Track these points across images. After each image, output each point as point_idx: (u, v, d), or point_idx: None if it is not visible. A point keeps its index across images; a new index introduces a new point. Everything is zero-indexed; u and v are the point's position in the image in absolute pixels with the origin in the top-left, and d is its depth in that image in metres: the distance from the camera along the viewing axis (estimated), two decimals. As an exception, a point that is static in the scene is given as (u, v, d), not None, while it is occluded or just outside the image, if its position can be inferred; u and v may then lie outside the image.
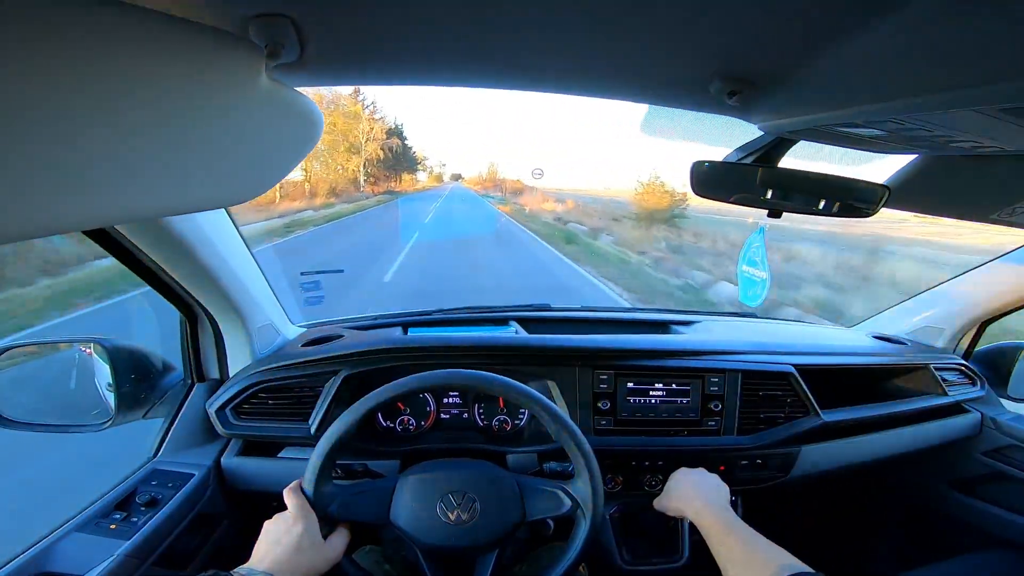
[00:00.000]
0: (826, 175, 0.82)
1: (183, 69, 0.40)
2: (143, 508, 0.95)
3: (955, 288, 1.48)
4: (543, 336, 1.26)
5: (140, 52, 0.36)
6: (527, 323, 1.42)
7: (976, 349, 1.52)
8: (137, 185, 0.41)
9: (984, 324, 1.48)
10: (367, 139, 36.16)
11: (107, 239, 0.89)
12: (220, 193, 0.59)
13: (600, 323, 1.48)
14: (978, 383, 1.44)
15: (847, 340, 1.49)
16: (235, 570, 0.71)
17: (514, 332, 1.35)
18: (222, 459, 1.12)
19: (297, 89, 0.59)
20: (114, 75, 0.34)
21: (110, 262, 0.97)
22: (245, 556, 0.78)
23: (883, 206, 0.83)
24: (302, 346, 1.24)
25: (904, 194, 0.85)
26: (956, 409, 1.42)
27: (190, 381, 1.19)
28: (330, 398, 1.11)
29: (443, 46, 0.59)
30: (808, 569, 0.70)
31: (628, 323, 1.51)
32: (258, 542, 0.80)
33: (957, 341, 1.51)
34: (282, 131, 0.60)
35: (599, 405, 1.18)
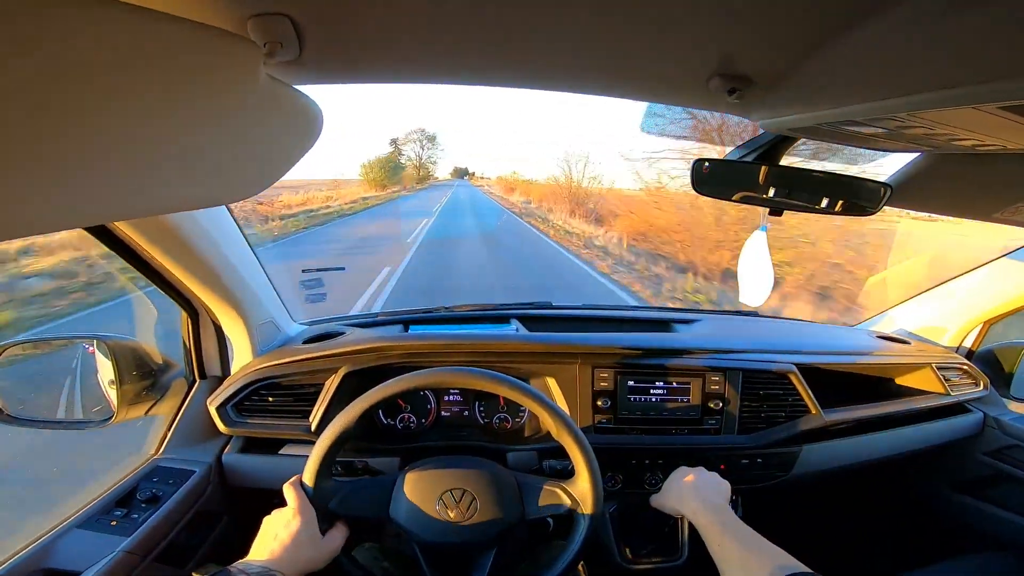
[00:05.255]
0: (829, 173, 0.82)
1: (182, 67, 0.40)
2: (144, 505, 0.96)
3: (959, 287, 1.47)
4: (544, 334, 1.26)
5: (138, 50, 0.36)
6: (528, 321, 1.41)
7: (979, 349, 1.51)
8: (137, 182, 0.41)
9: (988, 323, 1.47)
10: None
11: (109, 236, 0.90)
12: (220, 190, 0.59)
13: (601, 321, 1.48)
14: (981, 383, 1.43)
15: (849, 339, 1.49)
16: (233, 565, 0.71)
17: (515, 330, 1.35)
18: (223, 456, 1.13)
19: (298, 87, 0.59)
20: (112, 73, 0.34)
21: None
22: (244, 553, 0.79)
23: (885, 204, 0.82)
24: (303, 343, 1.24)
25: (906, 192, 0.85)
26: (959, 409, 1.42)
27: (192, 378, 1.20)
28: (331, 395, 1.12)
29: (442, 44, 0.59)
30: (805, 569, 0.70)
31: (629, 321, 1.51)
32: (257, 537, 0.80)
33: (960, 340, 1.50)
34: (282, 128, 0.61)
35: (599, 403, 1.18)
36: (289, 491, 0.84)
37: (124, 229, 0.89)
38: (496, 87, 0.73)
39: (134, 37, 0.35)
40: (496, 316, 1.46)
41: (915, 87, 0.48)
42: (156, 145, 0.41)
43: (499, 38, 0.58)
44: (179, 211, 0.87)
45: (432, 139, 62.38)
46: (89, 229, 0.85)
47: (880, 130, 0.64)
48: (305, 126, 0.63)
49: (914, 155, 0.82)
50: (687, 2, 0.47)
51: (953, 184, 0.84)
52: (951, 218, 0.97)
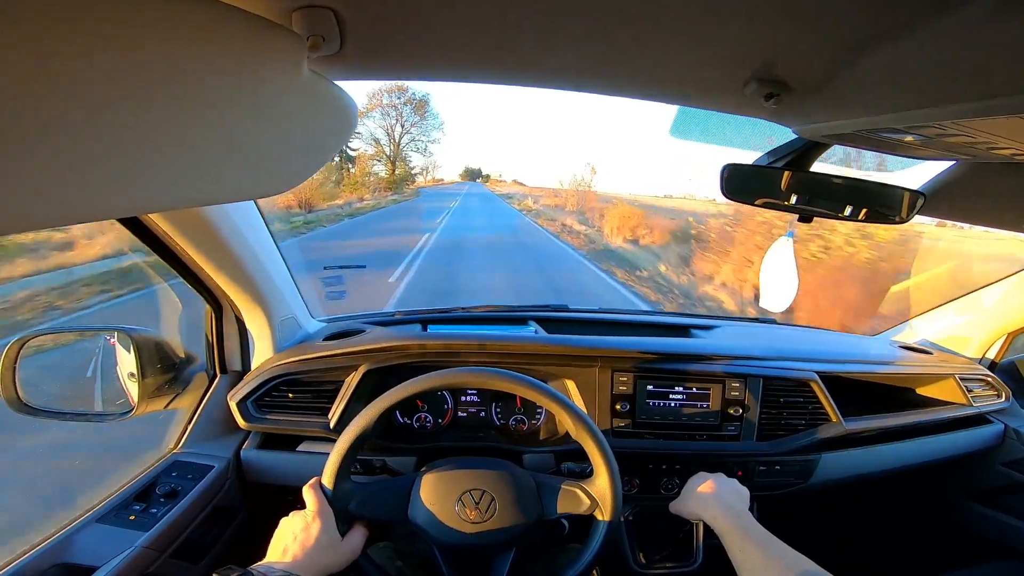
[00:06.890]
0: (860, 180, 0.81)
1: (224, 57, 0.40)
2: (162, 499, 0.96)
3: (983, 298, 1.45)
4: (563, 336, 1.26)
5: (181, 37, 0.35)
6: (546, 323, 1.41)
7: (1003, 360, 1.50)
8: (173, 174, 0.41)
9: (1012, 335, 1.45)
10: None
11: (140, 227, 0.90)
12: (255, 184, 0.59)
13: (619, 325, 1.47)
14: (1003, 394, 1.41)
15: (871, 348, 1.47)
16: (253, 566, 0.71)
17: (534, 331, 1.35)
18: (241, 452, 1.13)
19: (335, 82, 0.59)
20: (154, 60, 0.34)
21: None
22: (260, 550, 0.78)
23: (917, 213, 0.81)
24: (323, 340, 1.24)
25: (939, 201, 0.84)
26: (979, 420, 1.40)
27: (213, 372, 1.20)
28: (350, 392, 1.12)
29: (482, 43, 0.59)
30: (827, 575, 0.69)
31: (648, 326, 1.50)
32: (275, 538, 0.79)
33: (984, 352, 1.48)
34: (319, 123, 0.60)
35: (618, 407, 1.18)
36: (309, 493, 0.83)
37: (155, 220, 0.89)
38: (531, 87, 0.73)
39: (176, 23, 0.35)
40: (514, 318, 1.46)
41: (962, 95, 0.48)
42: (193, 136, 0.40)
43: (538, 40, 0.58)
44: (212, 204, 0.88)
45: (421, 107, 34.21)
46: (120, 220, 0.85)
47: (919, 137, 0.63)
48: (341, 122, 0.63)
49: (948, 163, 0.81)
50: (729, 4, 0.46)
51: (987, 193, 0.83)
52: (983, 228, 0.96)
